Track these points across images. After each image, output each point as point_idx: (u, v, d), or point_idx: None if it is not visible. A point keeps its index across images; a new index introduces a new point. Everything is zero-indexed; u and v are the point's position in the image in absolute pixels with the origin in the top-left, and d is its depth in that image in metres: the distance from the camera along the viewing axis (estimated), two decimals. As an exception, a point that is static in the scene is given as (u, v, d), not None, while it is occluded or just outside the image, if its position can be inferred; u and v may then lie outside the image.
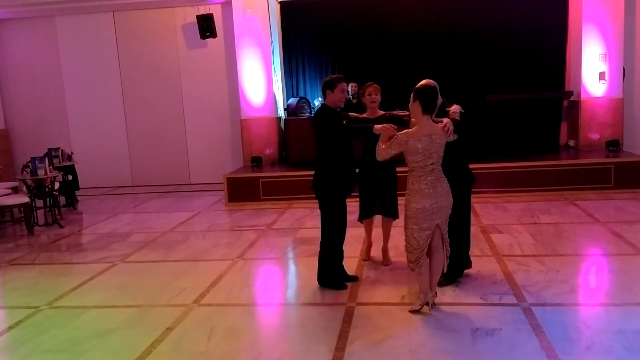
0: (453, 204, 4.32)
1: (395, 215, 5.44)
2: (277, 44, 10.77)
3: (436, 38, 10.34)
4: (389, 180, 5.33)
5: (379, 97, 5.18)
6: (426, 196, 4.12)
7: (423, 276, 4.31)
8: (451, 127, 4.11)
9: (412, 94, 4.15)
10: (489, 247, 5.87)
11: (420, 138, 4.06)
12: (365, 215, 5.49)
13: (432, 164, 4.11)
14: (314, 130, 4.87)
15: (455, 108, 4.53)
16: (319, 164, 4.86)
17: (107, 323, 4.53)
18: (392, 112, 5.19)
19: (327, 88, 4.79)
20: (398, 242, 5.35)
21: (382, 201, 5.38)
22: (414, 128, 4.14)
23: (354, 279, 5.09)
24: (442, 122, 4.16)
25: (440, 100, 4.23)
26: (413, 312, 4.31)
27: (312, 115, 4.84)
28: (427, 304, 4.33)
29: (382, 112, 5.20)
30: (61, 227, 8.22)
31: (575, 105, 9.86)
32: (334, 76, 4.89)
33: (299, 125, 9.57)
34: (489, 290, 4.70)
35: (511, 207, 7.72)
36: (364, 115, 5.22)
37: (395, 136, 4.20)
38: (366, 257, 5.70)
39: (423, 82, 4.15)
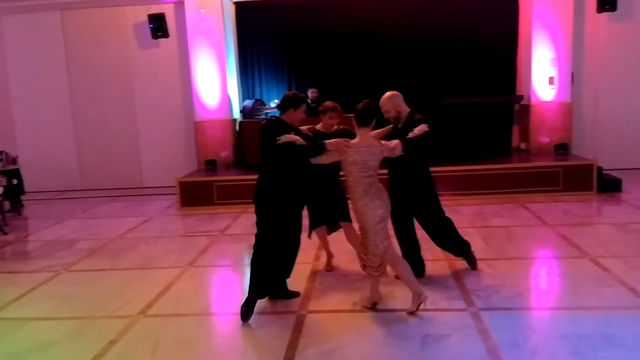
0: (423, 207, 5.09)
1: (349, 218, 5.25)
2: (232, 44, 10.64)
3: (391, 43, 10.42)
4: (334, 183, 5.24)
5: (337, 122, 5.11)
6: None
7: (406, 279, 4.48)
8: (399, 150, 4.34)
9: None
10: (440, 251, 5.89)
11: (359, 150, 4.26)
12: (315, 226, 5.32)
13: (370, 176, 4.28)
14: (260, 140, 4.61)
15: (420, 129, 4.55)
16: (262, 176, 4.65)
17: (48, 336, 4.37)
18: (345, 127, 5.12)
19: (290, 105, 4.59)
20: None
21: (335, 205, 5.28)
22: (355, 139, 4.34)
23: (296, 295, 4.88)
24: (391, 143, 4.34)
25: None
26: (410, 313, 4.37)
27: (263, 125, 4.66)
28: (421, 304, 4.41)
29: (336, 127, 5.11)
30: (5, 233, 7.91)
31: (526, 109, 10.08)
32: (299, 95, 4.76)
33: (255, 128, 9.42)
34: (440, 296, 4.73)
35: (465, 210, 7.80)
36: (318, 127, 5.15)
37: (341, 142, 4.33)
38: (330, 268, 5.57)
39: (360, 103, 4.37)
